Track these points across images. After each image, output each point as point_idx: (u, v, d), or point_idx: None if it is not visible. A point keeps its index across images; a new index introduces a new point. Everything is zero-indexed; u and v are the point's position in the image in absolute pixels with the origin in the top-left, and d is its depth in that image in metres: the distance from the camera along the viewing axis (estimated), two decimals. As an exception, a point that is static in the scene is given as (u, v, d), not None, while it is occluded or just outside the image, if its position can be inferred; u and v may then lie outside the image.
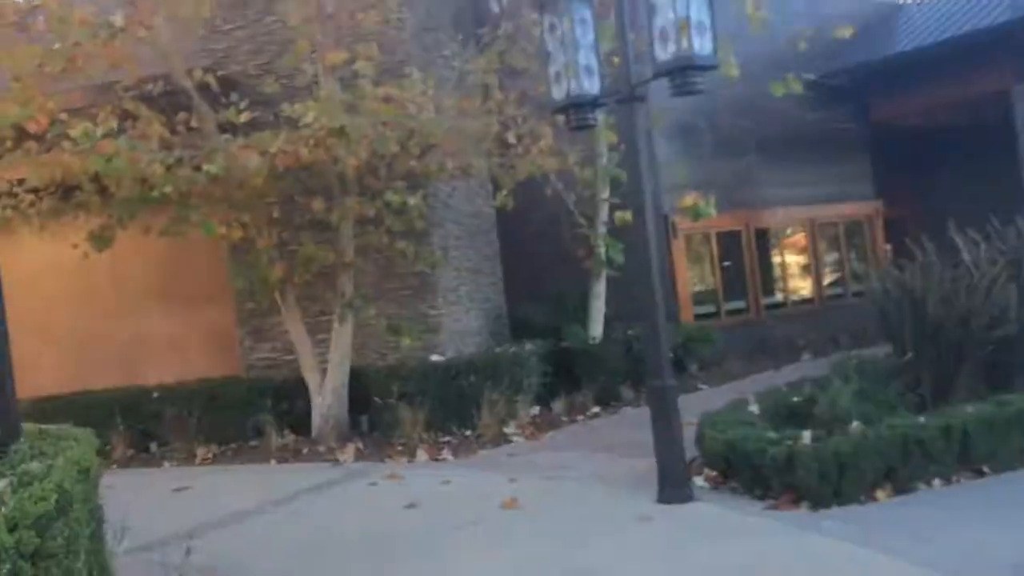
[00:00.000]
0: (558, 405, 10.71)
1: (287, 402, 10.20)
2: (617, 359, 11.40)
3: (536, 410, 10.61)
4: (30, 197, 9.61)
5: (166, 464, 9.57)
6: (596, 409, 10.81)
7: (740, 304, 14.72)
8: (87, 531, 3.84)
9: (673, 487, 6.15)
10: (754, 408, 7.25)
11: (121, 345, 12.16)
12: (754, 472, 6.17)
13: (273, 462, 9.20)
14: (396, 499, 6.96)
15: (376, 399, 9.92)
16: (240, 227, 9.30)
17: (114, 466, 9.64)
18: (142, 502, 7.42)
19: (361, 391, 10.09)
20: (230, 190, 9.05)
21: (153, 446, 10.18)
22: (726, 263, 14.61)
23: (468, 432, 9.68)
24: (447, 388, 9.80)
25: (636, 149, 6.41)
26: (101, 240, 9.82)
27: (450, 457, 8.75)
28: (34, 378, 12.60)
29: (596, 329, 11.87)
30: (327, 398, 9.78)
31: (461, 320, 11.45)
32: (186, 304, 11.90)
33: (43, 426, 4.85)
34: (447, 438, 9.49)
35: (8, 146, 8.55)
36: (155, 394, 10.41)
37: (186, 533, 6.38)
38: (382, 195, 9.53)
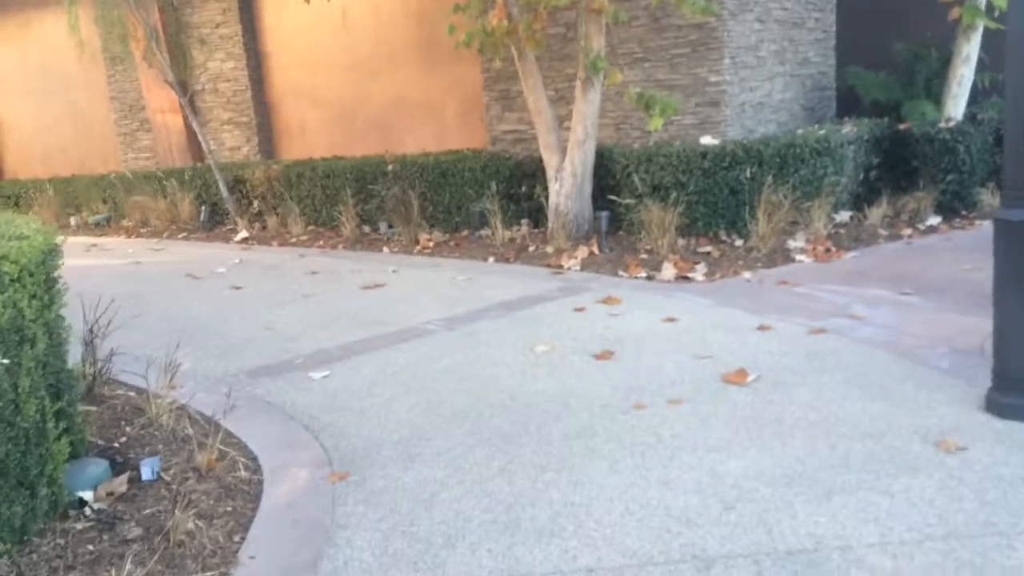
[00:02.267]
0: (877, 212, 7.76)
1: (524, 185, 8.45)
2: (979, 151, 7.97)
3: (845, 216, 7.80)
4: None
5: (385, 250, 8.45)
6: (934, 221, 7.70)
7: None
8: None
9: (1019, 390, 3.49)
10: None
11: (382, 109, 11.13)
12: None
13: (491, 259, 7.64)
14: (590, 341, 5.03)
15: (620, 191, 7.79)
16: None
17: (340, 246, 8.75)
18: (319, 305, 6.28)
19: (608, 179, 8.00)
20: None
21: (384, 225, 9.12)
22: None
23: (738, 242, 7.27)
24: (715, 182, 7.35)
25: None
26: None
27: (700, 277, 6.51)
28: (303, 140, 12.31)
29: (955, 108, 8.37)
30: (564, 184, 7.84)
31: (758, 90, 8.61)
32: (442, 63, 10.37)
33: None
34: (706, 248, 7.19)
35: None
36: (389, 167, 9.19)
37: (323, 355, 5.07)
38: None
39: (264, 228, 9.84)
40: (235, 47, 12.15)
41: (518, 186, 8.48)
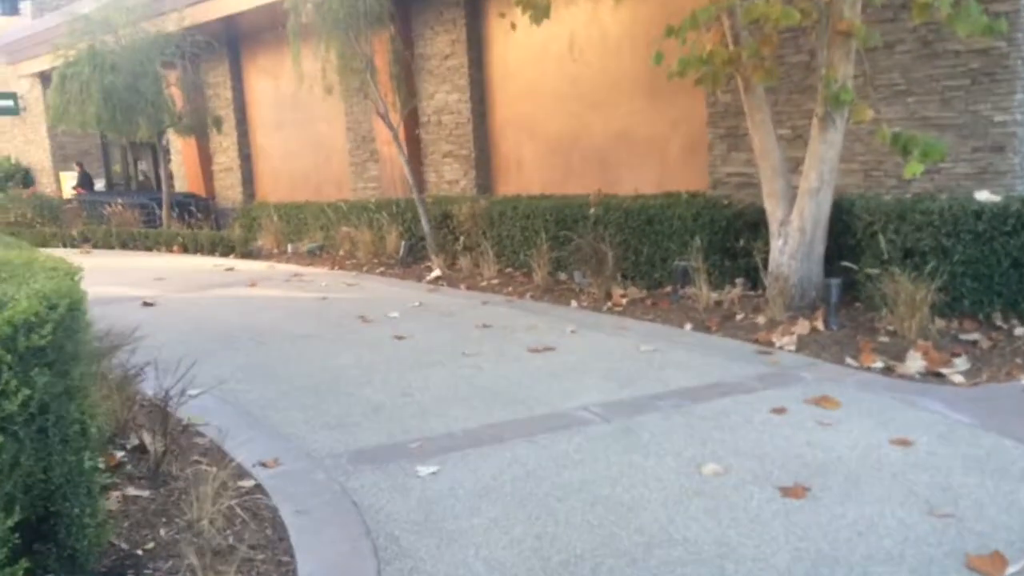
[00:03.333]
0: None
1: (742, 238, 7.15)
2: None
3: None
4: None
5: (573, 304, 7.48)
6: None
7: None
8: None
9: None
10: None
11: (601, 143, 10.27)
12: None
13: (688, 326, 6.43)
14: (782, 464, 3.73)
15: (860, 255, 6.27)
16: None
17: (528, 295, 7.92)
18: (472, 369, 5.45)
19: (846, 239, 6.51)
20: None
21: (579, 275, 8.16)
22: None
23: (1019, 330, 5.51)
24: (991, 249, 5.65)
25: None
26: (536, 9, 7.69)
27: (959, 376, 4.90)
28: (519, 175, 11.72)
29: None
30: (788, 241, 6.46)
31: (1061, 132, 6.70)
32: (668, 94, 9.32)
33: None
34: (972, 335, 5.50)
35: None
36: (591, 210, 8.25)
37: (445, 440, 4.20)
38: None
39: (458, 268, 9.26)
40: (461, 78, 11.85)
41: (734, 239, 7.18)
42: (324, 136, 14.85)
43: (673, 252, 7.50)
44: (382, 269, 9.86)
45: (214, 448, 4.26)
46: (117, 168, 22.27)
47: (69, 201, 18.73)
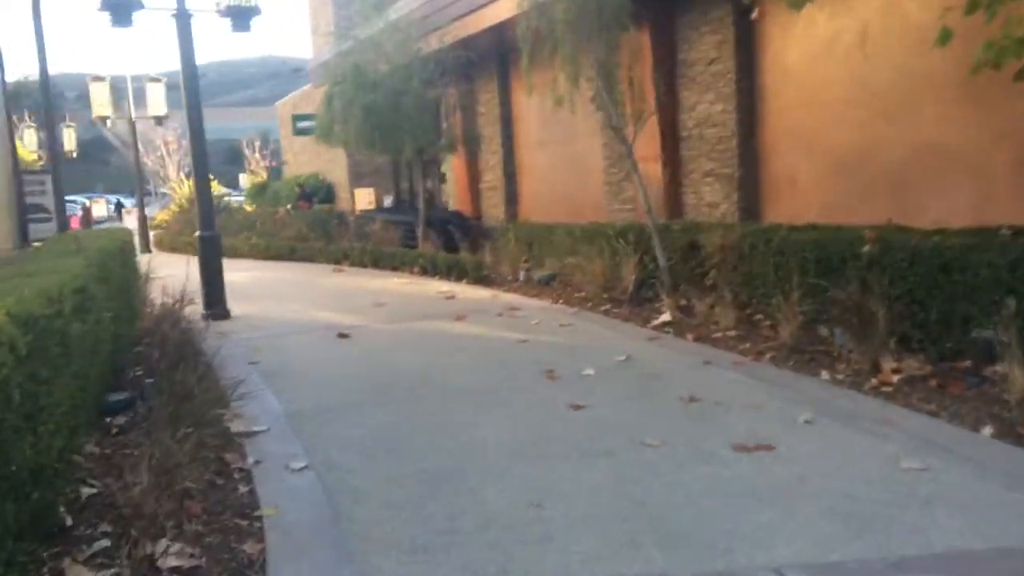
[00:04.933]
0: None
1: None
2: None
3: None
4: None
5: (823, 375, 5.61)
6: None
7: None
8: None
9: None
10: None
11: (897, 161, 8.16)
12: None
13: (987, 430, 4.38)
14: None
15: None
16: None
17: (768, 355, 6.20)
18: (644, 471, 4.01)
19: None
20: None
21: (840, 334, 6.22)
22: None
23: None
24: None
25: None
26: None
27: None
28: (792, 199, 9.79)
29: None
30: None
31: None
32: (991, 97, 7.08)
33: None
34: None
35: None
36: (865, 248, 6.30)
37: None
38: None
39: (691, 313, 7.65)
40: (726, 86, 10.21)
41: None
42: (582, 153, 13.83)
43: (976, 314, 5.37)
44: (608, 306, 8.52)
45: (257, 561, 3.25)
46: (406, 185, 23.13)
47: (359, 217, 19.62)
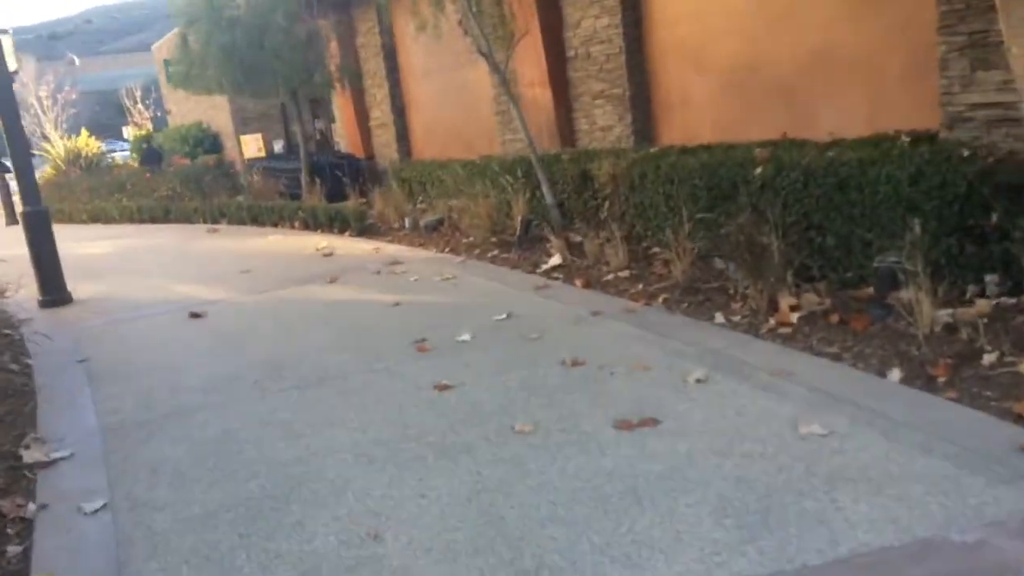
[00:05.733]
0: None
1: (997, 211, 4.41)
2: None
3: None
4: None
5: (718, 317, 5.06)
6: None
7: None
8: None
9: None
10: None
11: (787, 71, 7.57)
12: None
13: (896, 372, 3.89)
14: None
15: None
16: None
17: (661, 297, 5.63)
18: (513, 468, 3.34)
19: None
20: None
21: (733, 268, 5.67)
22: None
23: None
24: None
25: None
26: None
27: None
28: (684, 119, 9.17)
29: None
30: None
31: None
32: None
33: None
34: None
35: None
36: (757, 170, 5.73)
37: None
38: None
39: (583, 253, 7.02)
40: (610, -1, 9.43)
41: (981, 214, 4.45)
42: (471, 82, 12.91)
43: (877, 236, 4.87)
44: (496, 252, 7.83)
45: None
46: (297, 129, 21.81)
47: (249, 166, 18.30)
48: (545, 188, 7.75)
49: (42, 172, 27.62)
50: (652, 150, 7.61)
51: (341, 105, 16.48)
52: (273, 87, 12.24)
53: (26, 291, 8.00)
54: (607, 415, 3.82)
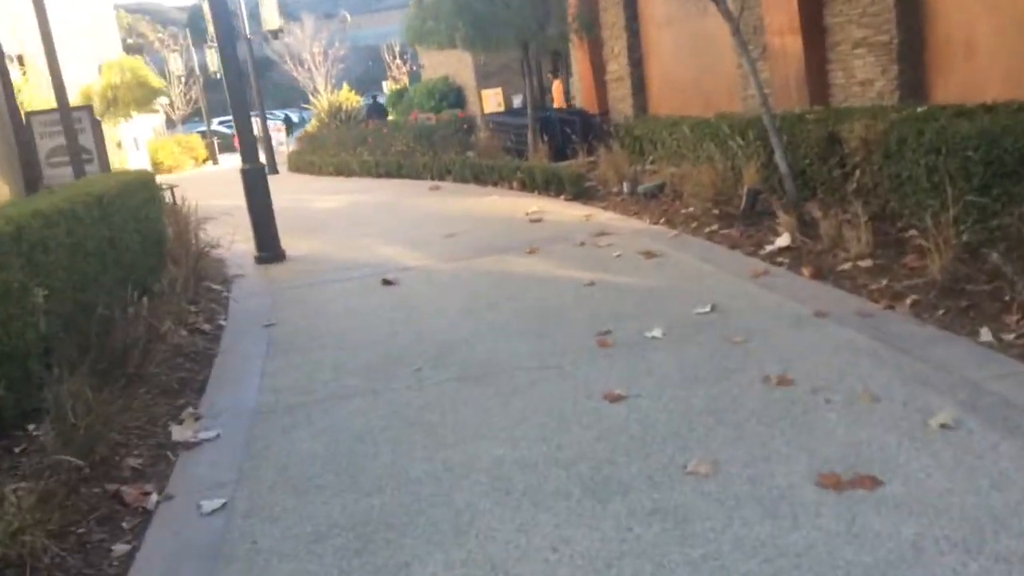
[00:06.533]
0: None
1: None
2: None
3: None
4: None
5: (984, 333, 3.90)
6: None
7: None
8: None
9: None
10: None
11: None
12: None
13: None
14: None
15: None
16: None
17: (908, 300, 4.53)
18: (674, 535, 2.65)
19: None
20: None
21: (1011, 269, 4.40)
22: None
23: None
24: None
25: None
26: None
27: None
28: (965, 71, 7.57)
29: None
30: None
31: None
32: None
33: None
34: None
35: None
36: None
37: None
38: None
39: (815, 235, 5.91)
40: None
41: None
42: (713, 30, 11.74)
43: None
44: (715, 226, 6.89)
45: None
46: (537, 83, 21.53)
47: (487, 120, 18.31)
48: (779, 153, 6.68)
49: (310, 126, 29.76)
50: (919, 110, 6.27)
51: (579, 58, 15.87)
52: (504, 40, 11.87)
53: (247, 245, 8.27)
54: (810, 463, 2.96)
